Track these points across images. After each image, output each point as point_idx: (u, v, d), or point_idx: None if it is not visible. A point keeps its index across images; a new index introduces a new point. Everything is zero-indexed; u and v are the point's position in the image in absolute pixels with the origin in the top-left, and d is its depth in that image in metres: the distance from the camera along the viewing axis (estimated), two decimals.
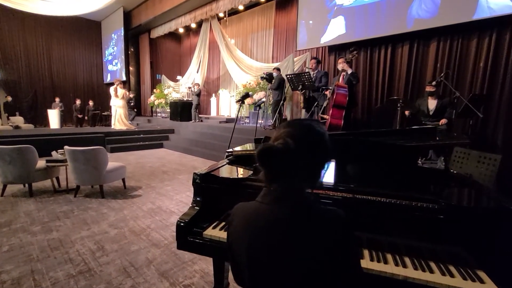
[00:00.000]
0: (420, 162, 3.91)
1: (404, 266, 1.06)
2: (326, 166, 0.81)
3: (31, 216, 3.04)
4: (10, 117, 11.05)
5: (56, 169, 3.92)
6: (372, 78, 5.61)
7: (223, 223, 1.38)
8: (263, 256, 0.72)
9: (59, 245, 2.43)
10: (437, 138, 1.82)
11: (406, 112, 4.12)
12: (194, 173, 1.50)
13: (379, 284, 1.05)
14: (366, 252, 1.15)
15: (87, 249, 2.37)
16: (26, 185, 3.79)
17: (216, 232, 1.31)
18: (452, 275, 1.01)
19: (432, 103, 3.96)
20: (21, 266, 2.10)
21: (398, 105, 3.92)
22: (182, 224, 1.34)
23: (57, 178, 4.05)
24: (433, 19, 4.48)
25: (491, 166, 2.05)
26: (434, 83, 3.83)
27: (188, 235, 1.33)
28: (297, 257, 0.69)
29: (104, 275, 2.01)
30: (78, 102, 12.20)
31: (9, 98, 11.25)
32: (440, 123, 3.84)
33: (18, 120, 11.12)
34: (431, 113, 3.95)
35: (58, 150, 3.87)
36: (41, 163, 3.70)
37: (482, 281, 0.98)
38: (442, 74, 3.93)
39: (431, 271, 1.03)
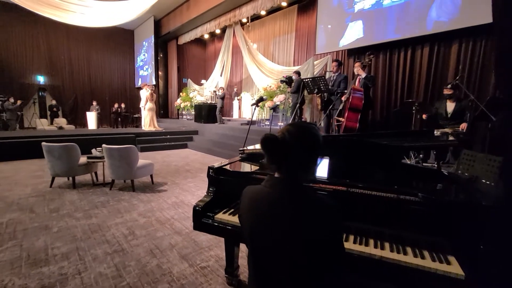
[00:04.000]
0: (434, 164, 3.88)
1: (382, 248, 1.23)
2: (318, 162, 0.99)
3: (74, 204, 3.52)
4: (54, 119, 12.30)
5: (95, 165, 4.42)
6: (391, 80, 5.59)
7: (232, 210, 1.62)
8: (263, 231, 0.90)
9: (97, 229, 2.83)
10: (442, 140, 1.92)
11: (424, 116, 4.09)
12: (209, 167, 1.76)
13: (359, 262, 1.22)
14: (351, 237, 1.32)
15: (120, 233, 2.74)
16: (70, 178, 4.34)
17: (226, 217, 1.55)
18: (423, 257, 1.16)
19: (450, 106, 3.92)
20: (68, 244, 2.51)
21: (413, 108, 3.93)
22: (198, 208, 1.60)
23: (96, 173, 4.56)
24: (453, 21, 4.41)
25: (495, 168, 2.08)
26: (449, 86, 3.79)
27: (203, 218, 1.59)
28: (291, 233, 0.85)
29: (135, 254, 2.35)
30: (116, 105, 13.39)
31: (53, 102, 12.53)
32: (460, 127, 3.78)
33: (62, 121, 12.33)
34: (449, 115, 3.91)
35: (97, 148, 4.38)
36: (82, 159, 4.21)
37: (449, 263, 1.12)
38: (457, 77, 3.88)
39: (405, 253, 1.19)
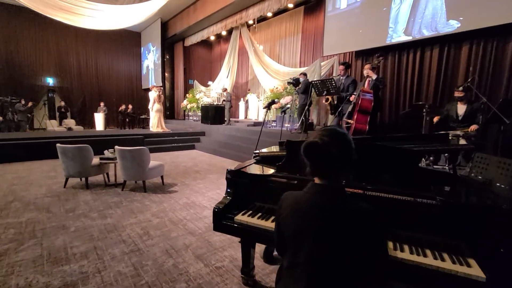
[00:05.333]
0: (447, 167, 3.88)
1: (402, 251, 1.26)
2: (354, 166, 0.98)
3: (89, 204, 3.59)
4: (63, 120, 12.50)
5: (107, 166, 4.51)
6: (400, 82, 5.58)
7: (250, 211, 1.66)
8: (306, 233, 0.95)
9: (113, 229, 2.89)
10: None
11: (435, 119, 4.08)
12: (227, 170, 1.80)
13: None
14: None
15: (135, 233, 2.80)
16: (83, 179, 4.43)
17: (245, 218, 1.60)
18: (443, 260, 1.18)
19: (461, 108, 3.91)
20: (86, 243, 2.58)
21: (424, 110, 3.92)
22: (217, 210, 1.65)
23: (107, 174, 4.65)
24: (464, 22, 4.39)
25: (509, 172, 2.09)
26: (461, 88, 3.79)
27: (222, 219, 1.63)
28: (332, 236, 0.91)
29: (151, 254, 2.40)
30: (124, 106, 13.55)
31: (62, 103, 12.74)
32: (469, 129, 3.78)
33: (71, 122, 12.53)
34: (460, 118, 3.89)
35: (109, 149, 4.46)
36: (95, 160, 4.30)
37: (469, 266, 1.14)
38: (469, 80, 3.87)
39: (425, 256, 1.22)
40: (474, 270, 1.11)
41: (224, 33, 11.71)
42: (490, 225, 1.18)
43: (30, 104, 10.92)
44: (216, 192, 4.23)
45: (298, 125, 6.78)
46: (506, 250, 1.11)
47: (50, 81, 12.92)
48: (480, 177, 2.41)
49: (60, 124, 12.37)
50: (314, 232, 0.93)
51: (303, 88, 6.45)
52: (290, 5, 9.06)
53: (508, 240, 1.13)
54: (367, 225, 0.92)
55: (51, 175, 5.09)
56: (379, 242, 0.96)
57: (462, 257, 1.20)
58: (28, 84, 12.21)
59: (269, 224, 1.52)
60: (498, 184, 2.20)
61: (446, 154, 3.74)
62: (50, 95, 13.08)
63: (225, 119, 9.82)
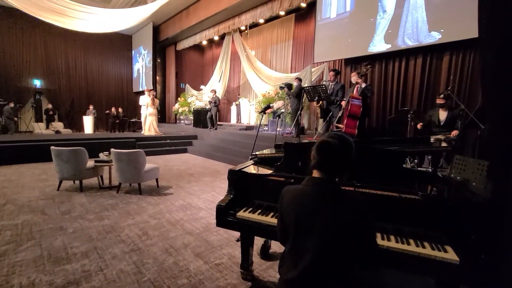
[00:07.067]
0: (430, 169, 4.12)
1: (389, 240, 1.41)
2: (352, 166, 1.13)
3: (84, 207, 3.61)
4: (51, 123, 12.23)
5: (101, 168, 4.52)
6: (387, 89, 5.87)
7: (251, 208, 1.79)
8: (306, 222, 1.08)
9: (111, 229, 2.94)
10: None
11: (419, 126, 4.34)
12: (229, 170, 1.92)
13: None
14: None
15: (134, 233, 2.86)
16: (77, 181, 4.42)
17: (246, 214, 1.72)
18: (424, 247, 1.35)
19: (442, 114, 4.18)
20: (85, 243, 2.62)
21: (409, 116, 4.17)
22: (220, 207, 1.76)
23: (101, 177, 4.65)
24: (445, 34, 4.71)
25: (483, 172, 2.31)
26: (442, 95, 4.06)
27: (225, 216, 1.75)
28: (328, 223, 1.04)
29: (151, 253, 2.48)
30: (114, 110, 13.37)
31: (50, 106, 12.48)
32: (451, 134, 4.04)
33: (59, 125, 12.28)
34: (441, 123, 4.17)
35: (104, 152, 4.48)
36: (90, 163, 4.31)
37: (446, 251, 1.31)
38: (449, 88, 4.16)
39: (409, 244, 1.37)
40: (450, 255, 1.27)
41: (216, 38, 11.86)
42: (464, 216, 1.35)
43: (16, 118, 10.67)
44: (211, 194, 4.32)
45: (290, 129, 6.96)
46: (476, 237, 1.28)
47: (37, 83, 12.66)
48: (458, 177, 2.63)
49: (48, 127, 12.10)
50: (312, 220, 1.07)
51: (296, 92, 6.64)
52: (282, 13, 9.32)
53: (478, 229, 1.30)
54: (358, 213, 1.06)
55: (42, 178, 5.04)
56: (368, 231, 1.09)
57: (440, 244, 1.37)
58: (14, 86, 11.92)
59: (269, 219, 1.65)
60: (474, 183, 2.42)
61: (429, 157, 3.99)
62: (37, 97, 12.81)
63: (208, 124, 9.63)
